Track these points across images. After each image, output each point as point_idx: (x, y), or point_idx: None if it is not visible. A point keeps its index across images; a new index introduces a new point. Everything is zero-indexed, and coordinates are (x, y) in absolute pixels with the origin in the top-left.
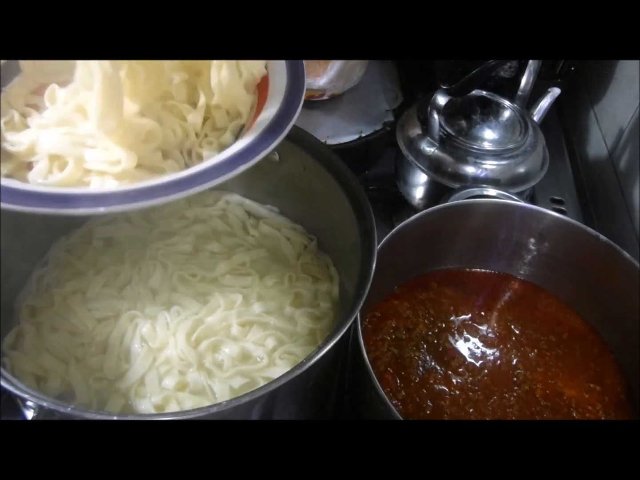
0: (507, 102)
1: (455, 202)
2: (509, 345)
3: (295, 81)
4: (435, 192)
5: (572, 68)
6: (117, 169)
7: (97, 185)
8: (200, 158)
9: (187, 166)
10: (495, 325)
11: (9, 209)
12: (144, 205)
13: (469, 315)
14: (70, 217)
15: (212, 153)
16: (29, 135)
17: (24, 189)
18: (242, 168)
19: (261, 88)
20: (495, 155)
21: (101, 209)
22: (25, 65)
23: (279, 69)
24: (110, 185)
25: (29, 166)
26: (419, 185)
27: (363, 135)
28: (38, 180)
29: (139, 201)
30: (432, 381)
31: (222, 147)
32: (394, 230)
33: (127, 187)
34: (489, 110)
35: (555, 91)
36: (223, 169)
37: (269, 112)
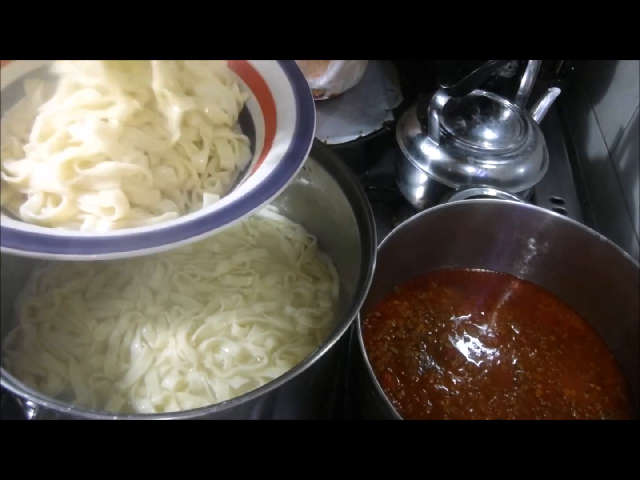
0: (507, 102)
1: (455, 202)
2: (509, 345)
3: (305, 120)
4: (435, 192)
5: (572, 68)
6: (111, 218)
7: (90, 224)
8: (200, 199)
9: (186, 207)
10: (495, 325)
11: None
12: (137, 253)
13: (469, 315)
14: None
15: (213, 195)
16: (25, 167)
17: (15, 229)
18: (239, 219)
19: (267, 112)
20: (495, 155)
21: (92, 256)
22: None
23: (285, 92)
24: (103, 227)
25: (24, 197)
26: (419, 185)
27: (363, 135)
28: (30, 214)
29: (131, 249)
30: (432, 381)
31: (225, 188)
32: (394, 230)
33: (120, 232)
34: (489, 110)
35: (555, 91)
36: (221, 218)
37: (277, 152)
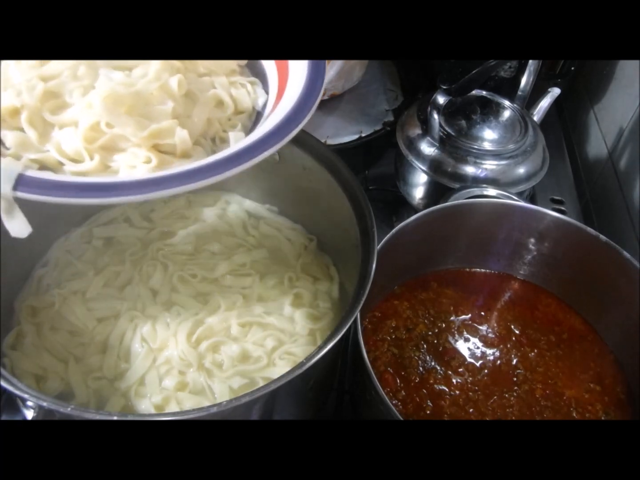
0: (507, 102)
1: (455, 202)
2: (509, 345)
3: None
4: (435, 192)
5: (572, 68)
6: (147, 166)
7: (126, 173)
8: (224, 142)
9: (213, 152)
10: (495, 325)
11: (42, 200)
12: (181, 190)
13: (469, 315)
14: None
15: (239, 133)
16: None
17: (56, 180)
18: (267, 153)
19: (281, 72)
20: (495, 155)
21: (140, 197)
22: None
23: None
24: (139, 173)
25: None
26: (419, 185)
27: (363, 135)
28: (69, 169)
29: (176, 186)
30: (432, 381)
31: (246, 129)
32: (394, 230)
33: (161, 173)
34: (489, 110)
35: (555, 91)
36: (249, 153)
37: (290, 99)
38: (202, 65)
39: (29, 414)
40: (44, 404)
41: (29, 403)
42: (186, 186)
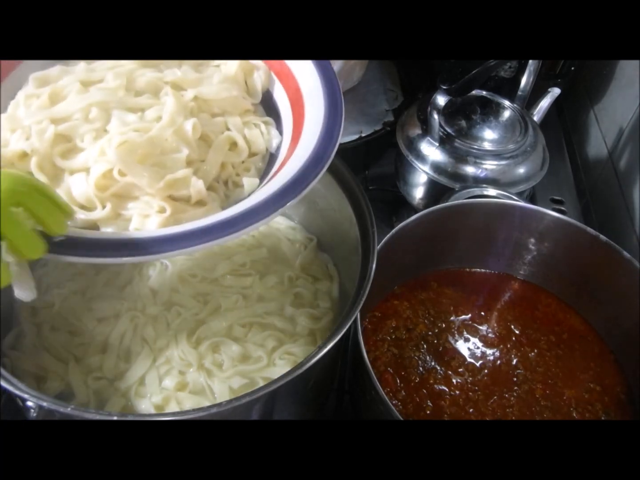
0: (507, 102)
1: (455, 202)
2: (509, 345)
3: (334, 109)
4: (435, 192)
5: (572, 68)
6: (163, 215)
7: (138, 223)
8: (237, 186)
9: (226, 196)
10: (495, 325)
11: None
12: (193, 250)
13: (469, 315)
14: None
15: (253, 179)
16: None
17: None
18: (291, 202)
19: (294, 102)
20: (495, 155)
21: (150, 257)
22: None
23: (309, 72)
24: (152, 225)
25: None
26: (419, 185)
27: (363, 135)
28: (79, 216)
29: (188, 246)
30: (432, 381)
31: (259, 171)
32: (394, 230)
33: (173, 230)
34: (489, 110)
35: (555, 91)
36: (271, 205)
37: (308, 142)
38: (216, 104)
39: (29, 414)
40: (44, 404)
41: (29, 403)
42: (205, 244)
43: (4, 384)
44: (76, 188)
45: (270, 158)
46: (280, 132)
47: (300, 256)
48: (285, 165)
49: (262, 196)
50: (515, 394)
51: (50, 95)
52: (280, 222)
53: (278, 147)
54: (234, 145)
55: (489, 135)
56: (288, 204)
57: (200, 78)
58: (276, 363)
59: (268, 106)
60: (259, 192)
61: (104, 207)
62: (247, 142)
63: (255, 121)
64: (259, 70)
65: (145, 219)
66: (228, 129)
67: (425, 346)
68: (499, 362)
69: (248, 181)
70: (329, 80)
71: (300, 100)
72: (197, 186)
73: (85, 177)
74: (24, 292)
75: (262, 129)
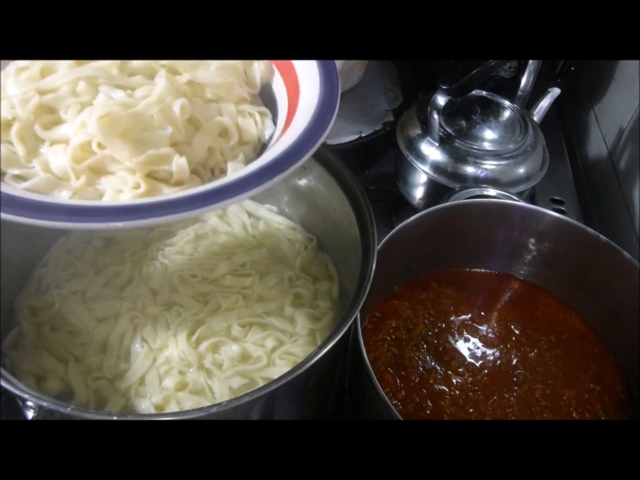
0: (507, 102)
1: (455, 202)
2: (509, 345)
3: (329, 92)
4: (435, 192)
5: (572, 68)
6: (136, 191)
7: (111, 197)
8: (223, 173)
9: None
10: (495, 325)
11: (13, 220)
12: (162, 220)
13: (469, 315)
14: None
15: (238, 164)
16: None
17: (41, 201)
18: (265, 185)
19: (291, 94)
20: (495, 155)
21: (119, 224)
22: None
23: (311, 75)
24: (125, 198)
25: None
26: (419, 185)
27: (363, 135)
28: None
29: (157, 216)
30: (432, 381)
31: (248, 161)
32: (394, 230)
33: (145, 200)
34: (489, 110)
35: (555, 91)
36: (246, 184)
37: (300, 123)
38: (211, 90)
39: (29, 414)
40: (44, 404)
41: (29, 403)
42: (168, 217)
43: (4, 384)
44: (53, 159)
45: (262, 149)
46: (276, 124)
47: (300, 256)
48: (271, 148)
49: (239, 175)
50: (515, 394)
51: (42, 69)
52: (280, 222)
53: (271, 138)
54: (224, 132)
55: (489, 135)
56: (264, 184)
57: (197, 63)
58: (276, 363)
59: (268, 99)
60: (237, 172)
61: (77, 179)
62: (238, 130)
63: (250, 110)
64: (260, 61)
65: (119, 194)
66: (220, 115)
67: (425, 346)
68: (499, 362)
69: (233, 165)
70: (328, 74)
71: (296, 92)
72: (179, 163)
73: (64, 149)
74: None
75: (256, 118)
